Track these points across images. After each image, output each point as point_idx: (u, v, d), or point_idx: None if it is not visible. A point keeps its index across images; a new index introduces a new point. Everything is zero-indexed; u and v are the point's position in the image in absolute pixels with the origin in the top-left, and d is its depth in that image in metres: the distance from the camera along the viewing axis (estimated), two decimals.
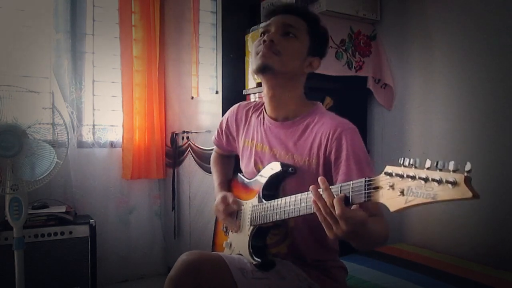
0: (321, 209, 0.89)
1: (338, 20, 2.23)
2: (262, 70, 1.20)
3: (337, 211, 0.85)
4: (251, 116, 1.37)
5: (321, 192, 0.90)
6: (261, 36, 1.24)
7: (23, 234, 1.98)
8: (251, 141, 1.33)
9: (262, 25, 1.31)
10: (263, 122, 1.31)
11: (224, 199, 1.31)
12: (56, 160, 1.97)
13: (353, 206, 0.87)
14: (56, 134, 2.00)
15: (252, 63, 1.26)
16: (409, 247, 2.10)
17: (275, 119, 1.28)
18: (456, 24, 2.04)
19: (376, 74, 2.36)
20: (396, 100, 2.33)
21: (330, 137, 1.14)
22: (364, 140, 2.38)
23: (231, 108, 1.46)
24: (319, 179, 0.91)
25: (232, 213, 1.29)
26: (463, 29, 2.01)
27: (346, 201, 0.87)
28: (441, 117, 2.11)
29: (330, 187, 0.91)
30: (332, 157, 1.13)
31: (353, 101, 2.35)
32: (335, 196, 0.87)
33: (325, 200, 0.88)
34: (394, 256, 1.92)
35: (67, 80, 2.64)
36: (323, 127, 1.17)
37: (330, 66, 2.21)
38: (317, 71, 2.11)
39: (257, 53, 1.20)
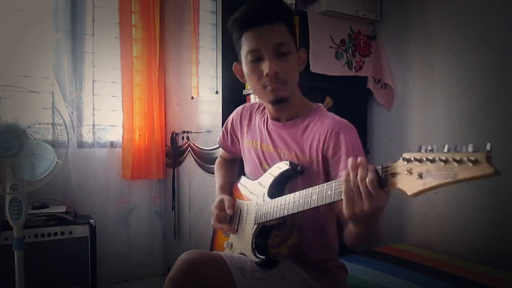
0: (351, 180, 0.87)
1: (338, 20, 2.23)
2: (277, 103, 1.21)
3: (370, 187, 0.84)
4: (255, 117, 1.38)
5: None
6: (250, 57, 1.17)
7: (23, 234, 1.98)
8: (256, 142, 1.34)
9: (245, 43, 1.17)
10: (267, 123, 1.32)
11: (219, 204, 1.31)
12: (56, 160, 1.97)
13: None
14: (56, 134, 2.00)
15: (257, 91, 1.22)
16: (409, 247, 2.10)
17: (277, 120, 1.29)
18: (456, 24, 2.04)
19: (376, 74, 2.36)
20: (396, 100, 2.33)
21: (328, 134, 1.15)
22: (364, 140, 2.41)
23: (236, 110, 1.47)
24: (358, 157, 0.89)
25: (225, 218, 1.29)
26: (463, 29, 2.01)
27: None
28: (441, 117, 2.11)
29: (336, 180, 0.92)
30: (330, 153, 1.14)
31: (353, 101, 2.36)
32: (368, 174, 0.85)
33: (360, 173, 0.86)
34: (394, 256, 1.92)
35: (67, 80, 2.64)
36: (322, 126, 1.18)
37: (330, 66, 2.21)
38: (317, 71, 2.15)
39: (264, 87, 1.17)
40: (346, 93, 2.28)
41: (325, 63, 2.19)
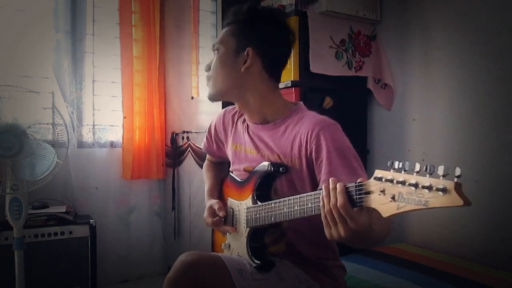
0: (324, 206, 0.88)
1: (338, 20, 2.24)
2: (210, 100, 1.30)
3: (342, 212, 0.84)
4: (237, 121, 1.37)
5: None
6: None
7: (23, 234, 1.98)
8: (239, 145, 1.34)
9: None
10: (247, 127, 1.31)
11: (210, 211, 1.31)
12: (56, 160, 1.97)
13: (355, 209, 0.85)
14: (56, 134, 2.00)
15: None
16: (409, 247, 2.11)
17: (256, 123, 1.27)
18: (456, 24, 2.04)
19: (376, 74, 2.36)
20: (396, 100, 2.33)
21: (308, 137, 1.13)
22: (364, 140, 2.41)
23: (218, 114, 1.47)
24: (330, 179, 0.89)
25: (220, 221, 1.29)
26: (463, 29, 2.01)
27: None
28: (441, 117, 2.11)
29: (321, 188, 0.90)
30: (313, 156, 1.12)
31: (353, 101, 2.36)
32: (339, 198, 0.85)
33: (331, 198, 0.86)
34: (394, 256, 1.93)
35: (67, 80, 2.64)
36: (302, 127, 1.16)
37: (330, 66, 2.21)
38: (317, 71, 2.15)
39: None
40: (346, 93, 2.29)
41: (325, 63, 2.19)
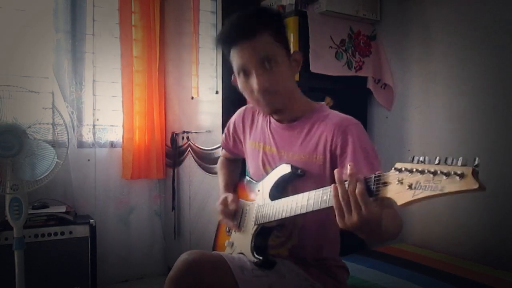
0: (340, 194, 0.86)
1: (338, 20, 2.23)
2: (275, 113, 1.24)
3: (360, 199, 0.83)
4: (258, 118, 1.37)
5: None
6: (240, 73, 1.17)
7: (23, 234, 1.98)
8: (259, 143, 1.33)
9: (234, 60, 1.17)
10: (270, 124, 1.31)
11: (223, 200, 1.31)
12: (56, 160, 1.97)
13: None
14: (56, 134, 2.00)
15: (253, 104, 1.26)
16: (409, 247, 2.11)
17: (280, 121, 1.28)
18: (456, 24, 2.04)
19: (376, 74, 2.36)
20: (396, 100, 2.33)
21: (335, 132, 1.14)
22: None
23: (238, 111, 1.46)
24: (348, 164, 0.88)
25: (230, 213, 1.29)
26: (463, 29, 2.01)
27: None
28: (441, 117, 2.11)
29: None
30: (338, 151, 1.13)
31: (353, 101, 2.36)
32: (357, 185, 0.84)
33: (350, 185, 0.85)
34: (394, 256, 1.93)
35: (67, 80, 2.64)
36: (328, 124, 1.17)
37: (330, 66, 2.21)
38: (317, 71, 2.15)
39: (258, 101, 1.18)
40: (346, 93, 2.28)
41: (325, 63, 2.19)
